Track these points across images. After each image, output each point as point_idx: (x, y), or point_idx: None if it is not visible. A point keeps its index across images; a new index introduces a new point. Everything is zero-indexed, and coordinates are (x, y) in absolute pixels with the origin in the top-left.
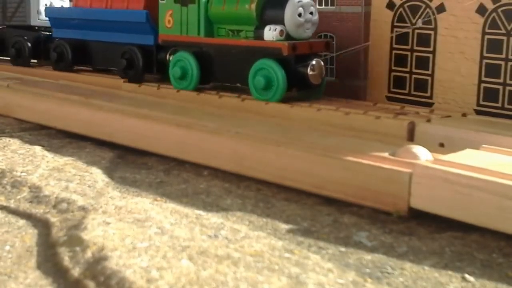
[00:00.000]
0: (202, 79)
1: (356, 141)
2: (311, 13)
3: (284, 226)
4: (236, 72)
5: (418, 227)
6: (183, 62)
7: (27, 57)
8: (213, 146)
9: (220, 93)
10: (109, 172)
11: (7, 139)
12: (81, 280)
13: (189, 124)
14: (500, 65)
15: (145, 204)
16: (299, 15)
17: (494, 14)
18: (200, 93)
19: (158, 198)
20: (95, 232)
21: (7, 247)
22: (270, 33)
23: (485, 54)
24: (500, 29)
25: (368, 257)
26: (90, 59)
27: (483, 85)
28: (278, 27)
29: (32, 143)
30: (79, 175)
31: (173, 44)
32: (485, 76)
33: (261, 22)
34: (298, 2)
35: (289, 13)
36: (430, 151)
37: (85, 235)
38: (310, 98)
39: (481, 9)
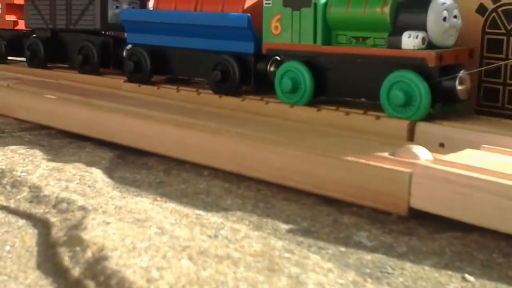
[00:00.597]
0: (315, 92)
1: (356, 141)
2: (455, 16)
3: (284, 226)
4: (361, 85)
5: (418, 227)
6: (293, 73)
7: (96, 64)
8: (213, 146)
9: (220, 94)
10: (109, 172)
11: (7, 139)
12: (81, 280)
13: (189, 124)
14: None
15: (145, 204)
16: (444, 19)
17: None
18: (200, 93)
19: (158, 198)
20: (95, 232)
21: (7, 247)
22: (410, 40)
23: None
24: None
25: (368, 257)
26: (171, 68)
27: None
28: (420, 34)
29: (32, 143)
30: (79, 175)
31: (281, 53)
32: None
33: (395, 28)
34: (443, 4)
35: (432, 17)
36: (430, 151)
37: (85, 235)
38: (448, 113)
39: None
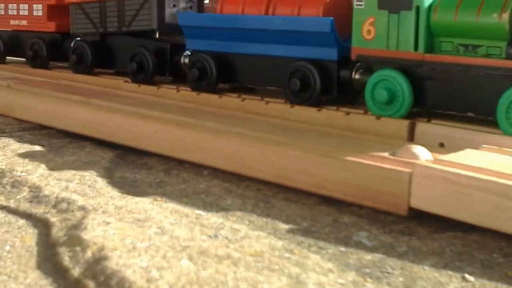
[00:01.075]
0: (414, 104)
1: (356, 141)
2: None
3: (284, 226)
4: (469, 98)
5: (418, 227)
6: (389, 83)
7: (150, 72)
8: (213, 146)
9: (220, 93)
10: (109, 172)
11: (7, 139)
12: (81, 280)
13: (189, 124)
14: None
15: (145, 204)
16: None
17: None
18: (200, 93)
19: (158, 198)
20: (95, 232)
21: (7, 247)
22: None
23: None
24: None
25: (368, 257)
26: (238, 76)
27: None
28: None
29: (32, 143)
30: (79, 175)
31: (374, 60)
32: None
33: None
34: None
35: None
36: (430, 151)
37: (85, 235)
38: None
39: None
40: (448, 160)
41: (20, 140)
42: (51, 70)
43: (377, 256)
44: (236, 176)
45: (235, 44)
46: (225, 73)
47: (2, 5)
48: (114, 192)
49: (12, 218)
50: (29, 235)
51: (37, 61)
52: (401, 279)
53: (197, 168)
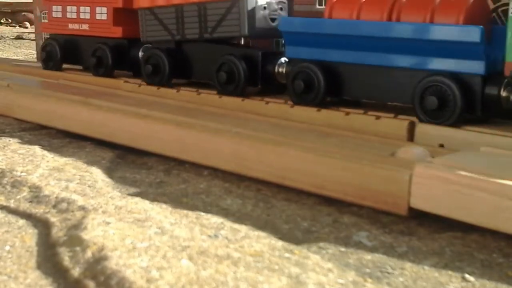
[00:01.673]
0: None
1: (356, 141)
2: None
3: (284, 226)
4: None
5: (418, 227)
6: None
7: (241, 83)
8: (213, 146)
9: (220, 93)
10: (109, 172)
11: (7, 139)
12: (81, 280)
13: (189, 124)
14: None
15: (145, 204)
16: None
17: None
18: (200, 93)
19: (158, 198)
20: (95, 232)
21: (7, 247)
22: None
23: None
24: None
25: (368, 257)
26: (352, 89)
27: None
28: None
29: (32, 143)
30: (79, 175)
31: None
32: None
33: None
34: None
35: None
36: (430, 151)
37: (85, 235)
38: None
39: None
40: (448, 160)
41: (20, 140)
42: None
43: (377, 256)
44: (236, 176)
45: (349, 53)
46: (335, 85)
47: (59, 7)
48: (114, 192)
49: (12, 218)
50: (29, 235)
51: (101, 69)
52: (401, 279)
53: (197, 168)
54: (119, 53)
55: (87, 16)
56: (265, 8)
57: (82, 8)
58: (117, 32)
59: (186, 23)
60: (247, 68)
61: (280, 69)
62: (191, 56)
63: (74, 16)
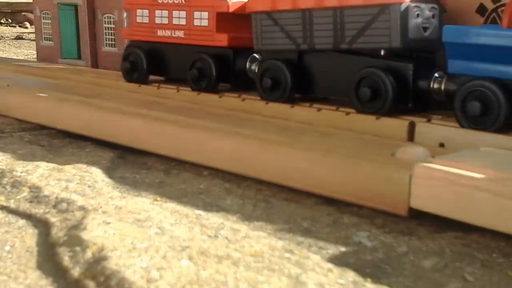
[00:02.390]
0: None
1: (356, 141)
2: None
3: (284, 226)
4: None
5: (418, 227)
6: None
7: (389, 102)
8: (213, 146)
9: (220, 93)
10: (109, 172)
11: (7, 139)
12: (81, 280)
13: (189, 124)
14: None
15: (145, 204)
16: None
17: None
18: (200, 93)
19: (158, 198)
20: (95, 232)
21: (7, 247)
22: None
23: None
24: None
25: (368, 257)
26: None
27: None
28: None
29: (32, 143)
30: (79, 175)
31: None
32: None
33: None
34: None
35: None
36: (430, 151)
37: (85, 235)
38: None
39: None
40: (448, 160)
41: (20, 140)
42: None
43: (377, 256)
44: (236, 176)
45: None
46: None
47: (146, 11)
48: (114, 192)
49: (12, 218)
50: (29, 235)
51: (202, 82)
52: (401, 279)
53: (197, 168)
54: (223, 64)
55: (182, 22)
56: (418, 15)
57: (175, 13)
58: (221, 40)
59: (315, 31)
60: (397, 85)
61: (437, 86)
62: (318, 69)
63: (165, 21)
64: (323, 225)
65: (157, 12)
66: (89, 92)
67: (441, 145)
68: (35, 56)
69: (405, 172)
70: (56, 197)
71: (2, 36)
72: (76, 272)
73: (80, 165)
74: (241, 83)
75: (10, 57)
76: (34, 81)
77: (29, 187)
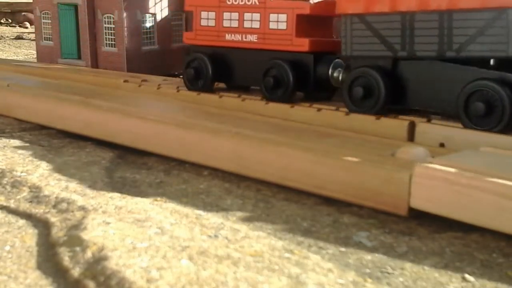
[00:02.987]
0: None
1: (356, 141)
2: None
3: (284, 226)
4: None
5: (418, 227)
6: None
7: (506, 120)
8: (213, 146)
9: (220, 93)
10: (109, 172)
11: (7, 139)
12: (81, 280)
13: (189, 124)
14: None
15: (145, 204)
16: None
17: None
18: (200, 93)
19: (158, 198)
20: (95, 232)
21: (7, 247)
22: None
23: None
24: None
25: (368, 257)
26: None
27: None
28: None
29: (32, 143)
30: (79, 175)
31: None
32: None
33: None
34: None
35: None
36: (430, 151)
37: (85, 235)
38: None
39: None
40: (448, 160)
41: (20, 140)
42: (53, 70)
43: (377, 256)
44: (236, 176)
45: None
46: None
47: (212, 13)
48: (114, 192)
49: (12, 218)
50: (29, 235)
51: (279, 91)
52: (401, 279)
53: (197, 168)
54: (301, 71)
55: (256, 25)
56: None
57: (247, 15)
58: (301, 44)
59: (417, 37)
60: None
61: None
62: (417, 79)
63: (235, 24)
64: (323, 225)
65: (226, 15)
66: (89, 92)
67: (441, 145)
68: (35, 56)
69: (405, 172)
70: (56, 197)
71: (2, 36)
72: (76, 272)
73: (80, 165)
74: (320, 91)
75: (10, 57)
76: (34, 81)
77: (29, 187)
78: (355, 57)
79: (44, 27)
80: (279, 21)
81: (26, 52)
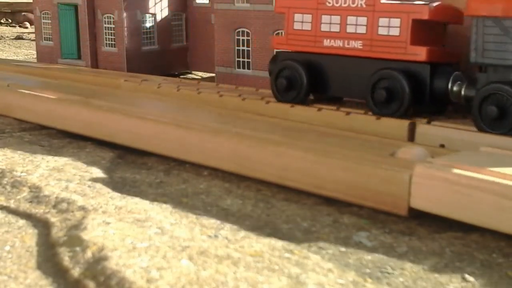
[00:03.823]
0: None
1: (356, 141)
2: None
3: (284, 226)
4: None
5: (418, 227)
6: None
7: None
8: (213, 146)
9: (220, 93)
10: (109, 172)
11: (7, 139)
12: (81, 280)
13: (189, 124)
14: None
15: (145, 204)
16: None
17: None
18: (200, 93)
19: (158, 198)
20: (95, 232)
21: (7, 247)
22: None
23: None
24: None
25: (368, 257)
26: None
27: None
28: None
29: (32, 143)
30: (79, 175)
31: None
32: None
33: None
34: None
35: None
36: (430, 151)
37: (85, 235)
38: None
39: None
40: (448, 161)
41: (20, 140)
42: (51, 70)
43: (377, 256)
44: (236, 176)
45: None
46: None
47: (308, 16)
48: (114, 192)
49: (12, 218)
50: (29, 235)
51: (392, 105)
52: (401, 279)
53: (197, 168)
54: (416, 84)
55: (362, 30)
56: None
57: (351, 19)
58: (418, 53)
59: None
60: None
61: None
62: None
63: (336, 29)
64: (323, 225)
65: (325, 18)
66: (89, 92)
67: (442, 146)
68: (35, 56)
69: (405, 172)
70: (56, 197)
71: (2, 36)
72: (76, 272)
73: (80, 165)
74: (438, 107)
75: (10, 57)
76: (34, 81)
77: (29, 187)
78: (488, 65)
79: (44, 27)
80: (391, 26)
81: (26, 52)
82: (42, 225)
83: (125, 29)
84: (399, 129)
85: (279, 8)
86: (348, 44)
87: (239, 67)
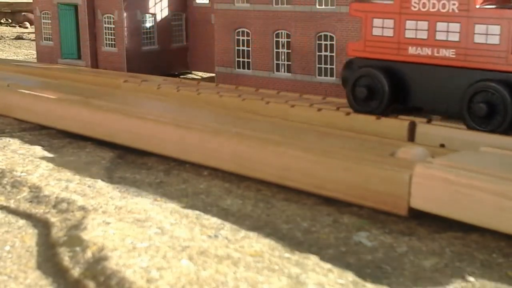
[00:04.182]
0: None
1: (356, 141)
2: None
3: (284, 226)
4: None
5: (418, 227)
6: None
7: None
8: (213, 146)
9: (220, 93)
10: (109, 172)
11: (7, 139)
12: (81, 280)
13: (189, 124)
14: None
15: (145, 204)
16: None
17: None
18: (200, 93)
19: (158, 198)
20: (95, 232)
21: (7, 247)
22: None
23: None
24: None
25: (368, 257)
26: None
27: None
28: None
29: (32, 143)
30: (79, 175)
31: None
32: None
33: None
34: None
35: None
36: (431, 151)
37: (85, 235)
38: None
39: None
40: (448, 160)
41: (20, 140)
42: (51, 70)
43: (377, 256)
44: (236, 176)
45: None
46: None
47: (390, 21)
48: (114, 192)
49: (12, 218)
50: (29, 235)
51: (494, 121)
52: (401, 279)
53: (197, 168)
54: None
55: (454, 38)
56: None
57: (442, 25)
58: None
59: None
60: None
61: None
62: None
63: (423, 35)
64: (323, 225)
65: (409, 23)
66: (89, 92)
67: (442, 145)
68: (35, 56)
69: (405, 172)
70: (56, 197)
71: (2, 36)
72: (76, 272)
73: (80, 165)
74: None
75: (10, 57)
76: (34, 81)
77: (29, 187)
78: None
79: (44, 27)
80: (489, 34)
81: (26, 52)
82: (42, 225)
83: (125, 29)
84: (399, 129)
85: (355, 12)
86: (437, 52)
87: (239, 67)
